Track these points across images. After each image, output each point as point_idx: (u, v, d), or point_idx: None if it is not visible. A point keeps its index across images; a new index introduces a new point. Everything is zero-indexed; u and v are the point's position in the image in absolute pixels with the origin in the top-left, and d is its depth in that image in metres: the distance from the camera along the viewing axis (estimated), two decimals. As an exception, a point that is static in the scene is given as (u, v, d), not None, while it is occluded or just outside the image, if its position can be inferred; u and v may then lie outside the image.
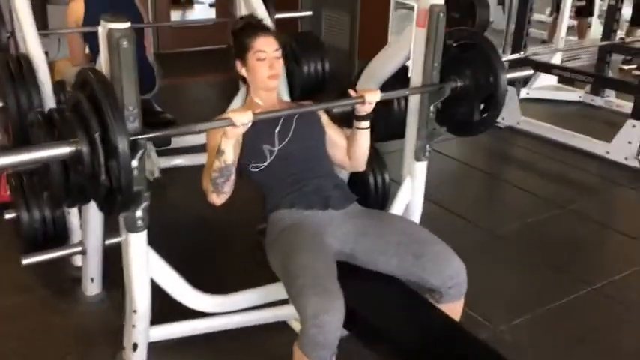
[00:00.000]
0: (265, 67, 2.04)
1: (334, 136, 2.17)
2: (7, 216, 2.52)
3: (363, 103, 1.99)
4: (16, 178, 2.53)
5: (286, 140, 2.05)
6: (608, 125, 4.72)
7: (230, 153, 1.86)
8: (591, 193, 3.76)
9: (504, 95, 2.09)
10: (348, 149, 2.15)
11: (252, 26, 2.11)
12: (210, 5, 8.76)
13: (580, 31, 7.00)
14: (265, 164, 2.03)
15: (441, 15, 2.08)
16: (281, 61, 2.09)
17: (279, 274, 1.92)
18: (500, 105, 2.10)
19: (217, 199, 1.95)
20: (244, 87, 3.55)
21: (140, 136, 1.61)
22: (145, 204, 1.75)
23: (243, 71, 2.11)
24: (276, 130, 2.05)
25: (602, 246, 3.21)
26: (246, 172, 2.07)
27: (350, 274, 1.88)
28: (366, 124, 2.07)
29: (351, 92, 2.02)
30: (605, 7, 5.51)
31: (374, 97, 1.98)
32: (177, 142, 3.52)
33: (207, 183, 1.93)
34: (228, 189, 1.93)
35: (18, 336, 2.31)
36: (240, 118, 1.77)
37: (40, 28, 2.54)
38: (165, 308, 2.06)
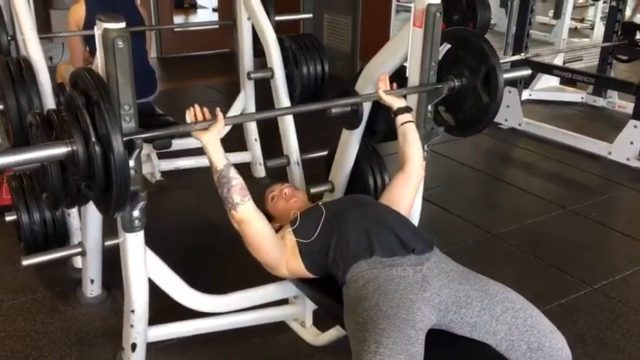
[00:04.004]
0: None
1: (389, 195, 2.08)
2: (8, 218, 2.54)
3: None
4: (16, 181, 2.55)
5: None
6: (610, 126, 4.72)
7: (216, 159, 1.80)
8: (593, 194, 3.75)
9: (500, 70, 2.06)
10: (401, 151, 2.09)
11: None
12: (214, 10, 8.79)
13: None
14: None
15: (438, 15, 2.08)
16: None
17: (351, 341, 1.63)
18: (500, 80, 2.06)
19: (237, 214, 1.81)
20: (244, 90, 3.59)
21: (136, 136, 1.61)
22: (141, 204, 1.75)
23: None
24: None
25: (603, 246, 3.19)
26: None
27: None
28: (407, 116, 2.10)
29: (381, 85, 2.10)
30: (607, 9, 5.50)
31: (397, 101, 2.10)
32: (179, 145, 3.54)
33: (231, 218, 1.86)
34: (238, 198, 1.79)
35: (18, 336, 2.32)
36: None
37: (43, 32, 2.56)
38: (164, 309, 2.07)
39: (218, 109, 1.83)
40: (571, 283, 2.75)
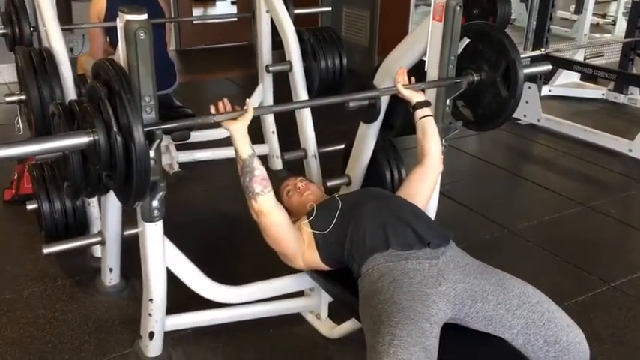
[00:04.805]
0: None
1: (407, 189, 2.09)
2: (29, 207, 2.58)
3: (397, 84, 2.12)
4: (37, 170, 2.59)
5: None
6: (631, 123, 4.67)
7: (242, 148, 1.83)
8: (612, 191, 3.71)
9: (520, 65, 2.06)
10: (420, 145, 2.11)
11: None
12: (232, 2, 8.80)
13: None
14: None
15: (458, 8, 2.07)
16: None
17: (366, 333, 1.63)
18: (520, 75, 2.06)
19: (256, 204, 1.84)
20: (262, 83, 3.60)
21: (156, 127, 1.63)
22: (161, 194, 1.77)
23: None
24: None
25: (621, 244, 3.16)
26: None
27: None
28: (425, 110, 2.10)
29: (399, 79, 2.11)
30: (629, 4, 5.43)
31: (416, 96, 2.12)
32: (196, 137, 3.57)
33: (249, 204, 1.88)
34: (259, 188, 1.82)
35: (38, 323, 2.36)
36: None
37: (64, 24, 2.58)
38: (181, 298, 2.09)
39: (248, 100, 1.87)
40: (589, 281, 2.73)
